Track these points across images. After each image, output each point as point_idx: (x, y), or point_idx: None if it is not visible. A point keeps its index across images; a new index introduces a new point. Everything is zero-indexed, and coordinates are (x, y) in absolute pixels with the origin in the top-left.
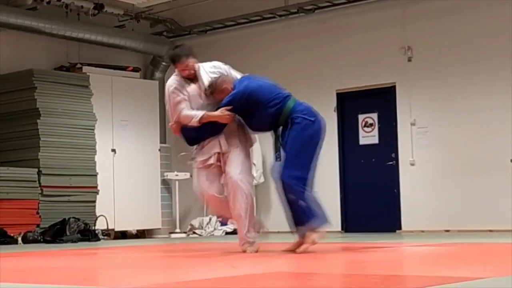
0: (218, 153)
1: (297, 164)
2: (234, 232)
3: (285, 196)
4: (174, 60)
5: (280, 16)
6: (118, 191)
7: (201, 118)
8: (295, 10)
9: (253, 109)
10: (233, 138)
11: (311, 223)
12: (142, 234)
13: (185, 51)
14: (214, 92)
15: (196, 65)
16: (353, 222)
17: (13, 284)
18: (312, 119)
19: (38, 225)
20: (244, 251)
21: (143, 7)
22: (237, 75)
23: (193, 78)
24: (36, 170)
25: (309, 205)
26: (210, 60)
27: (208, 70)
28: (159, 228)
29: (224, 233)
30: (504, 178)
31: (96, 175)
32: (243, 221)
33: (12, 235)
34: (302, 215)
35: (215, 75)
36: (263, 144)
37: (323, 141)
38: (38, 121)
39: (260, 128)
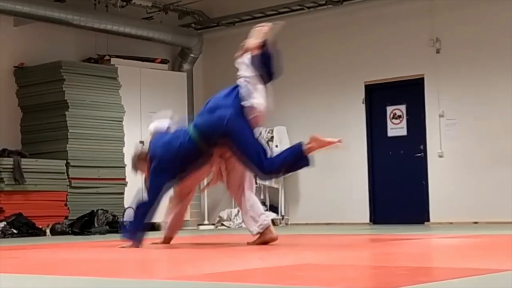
0: None
1: None
2: None
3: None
4: None
5: (309, 8)
6: None
7: None
8: (323, 2)
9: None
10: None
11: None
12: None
13: None
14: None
15: None
16: (381, 214)
17: (42, 275)
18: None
19: (66, 217)
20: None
21: None
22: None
23: None
24: (65, 162)
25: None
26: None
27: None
28: (188, 220)
29: None
30: None
31: (124, 167)
32: None
33: (40, 227)
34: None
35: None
36: (291, 136)
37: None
38: (66, 113)
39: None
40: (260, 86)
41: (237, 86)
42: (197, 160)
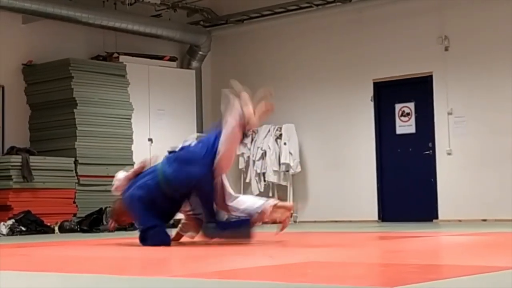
0: None
1: None
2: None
3: None
4: None
5: (317, 5)
6: None
7: None
8: (332, 0)
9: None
10: None
11: None
12: (178, 223)
13: None
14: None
15: None
16: (390, 211)
17: (50, 273)
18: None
19: (74, 214)
20: None
21: None
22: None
23: None
24: (73, 159)
25: None
26: (246, 49)
27: None
28: None
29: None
30: None
31: (133, 165)
32: None
33: (48, 224)
34: None
35: None
36: (300, 134)
37: None
38: (75, 110)
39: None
40: (239, 135)
41: (220, 132)
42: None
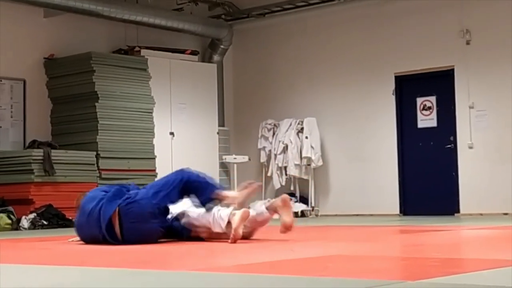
0: None
1: None
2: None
3: None
4: None
5: None
6: None
7: None
8: None
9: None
10: None
11: None
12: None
13: None
14: None
15: None
16: (411, 205)
17: (72, 267)
18: None
19: None
20: None
21: None
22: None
23: None
24: (94, 153)
25: None
26: (268, 43)
27: None
28: None
29: None
30: None
31: (154, 158)
32: None
33: (70, 218)
34: None
35: None
36: (321, 127)
37: None
38: (96, 104)
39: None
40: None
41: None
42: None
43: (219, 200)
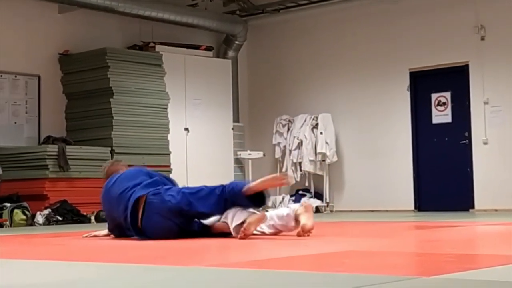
0: None
1: None
2: None
3: None
4: None
5: None
6: (191, 170)
7: None
8: None
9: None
10: None
11: None
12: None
13: None
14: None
15: None
16: (426, 201)
17: (87, 262)
18: None
19: None
20: None
21: None
22: None
23: None
24: (109, 149)
25: None
26: (283, 39)
27: None
28: None
29: None
30: None
31: (169, 154)
32: None
33: (85, 213)
34: None
35: None
36: (336, 123)
37: None
38: (111, 100)
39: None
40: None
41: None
42: None
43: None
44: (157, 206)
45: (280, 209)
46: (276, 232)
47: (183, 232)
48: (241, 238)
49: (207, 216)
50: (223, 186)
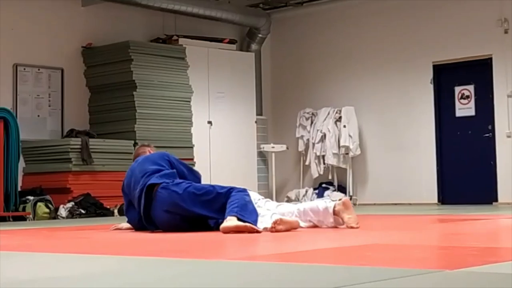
0: None
1: None
2: None
3: None
4: None
5: None
6: (214, 163)
7: None
8: None
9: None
10: None
11: None
12: None
13: None
14: None
15: None
16: (449, 194)
17: (110, 256)
18: None
19: None
20: None
21: None
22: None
23: None
24: (132, 142)
25: None
26: (306, 32)
27: None
28: None
29: None
30: None
31: (192, 147)
32: None
33: (108, 207)
34: None
35: None
36: (359, 116)
37: None
38: (134, 93)
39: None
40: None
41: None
42: None
43: None
44: (162, 199)
45: (314, 202)
46: (312, 226)
47: (193, 225)
48: (270, 230)
49: (207, 218)
50: (229, 193)
